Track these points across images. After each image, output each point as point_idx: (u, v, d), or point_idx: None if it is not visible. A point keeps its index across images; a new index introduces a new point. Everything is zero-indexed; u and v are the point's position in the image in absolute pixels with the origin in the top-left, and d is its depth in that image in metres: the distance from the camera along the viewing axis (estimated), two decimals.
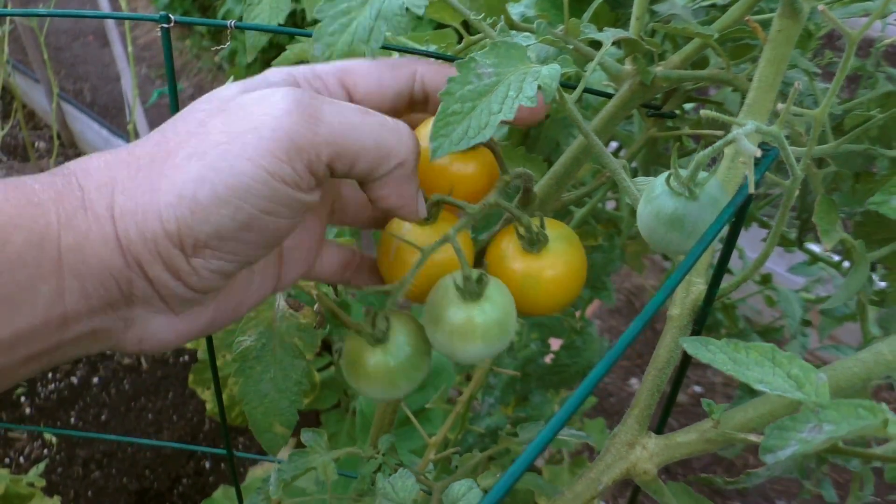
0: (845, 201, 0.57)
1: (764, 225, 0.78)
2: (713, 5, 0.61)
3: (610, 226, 0.74)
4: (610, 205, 0.91)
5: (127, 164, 0.34)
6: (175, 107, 0.56)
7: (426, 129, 0.49)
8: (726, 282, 0.44)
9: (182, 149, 0.34)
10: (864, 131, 0.46)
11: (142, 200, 0.33)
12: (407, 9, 0.43)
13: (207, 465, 1.84)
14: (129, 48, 1.97)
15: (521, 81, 0.38)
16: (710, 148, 0.30)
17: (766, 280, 1.00)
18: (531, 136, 0.87)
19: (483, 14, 0.50)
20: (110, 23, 2.04)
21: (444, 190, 0.45)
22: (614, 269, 0.64)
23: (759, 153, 0.27)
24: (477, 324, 0.41)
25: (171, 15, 0.52)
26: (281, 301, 0.52)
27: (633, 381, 2.19)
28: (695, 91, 0.64)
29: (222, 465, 1.83)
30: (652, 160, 0.71)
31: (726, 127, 0.34)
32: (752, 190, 0.28)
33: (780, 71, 0.43)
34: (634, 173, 0.80)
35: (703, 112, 0.31)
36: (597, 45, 0.48)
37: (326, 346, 1.72)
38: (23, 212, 0.31)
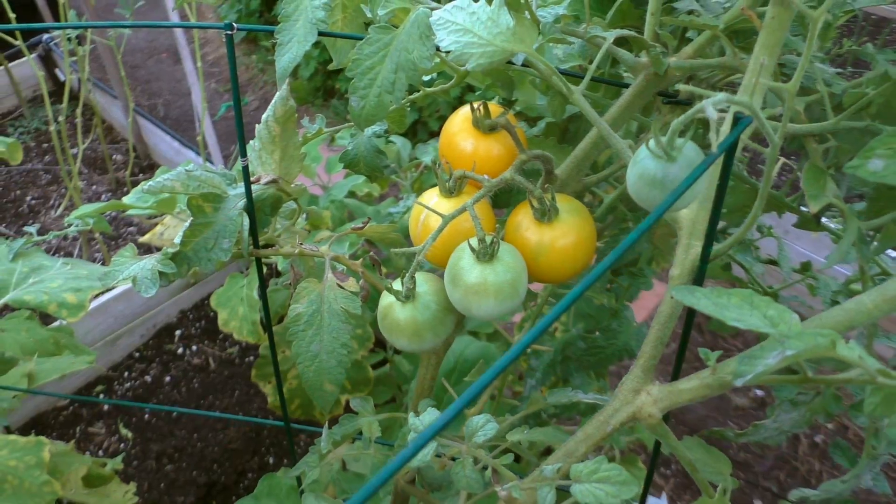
0: (857, 181, 0.60)
1: (793, 210, 0.80)
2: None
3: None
4: None
5: None
6: (239, 116, 0.63)
7: (457, 117, 0.55)
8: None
9: None
10: (863, 108, 0.50)
11: None
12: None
13: (271, 460, 1.93)
14: (199, 64, 2.09)
15: None
16: (684, 115, 0.35)
17: (805, 268, 1.01)
18: (570, 131, 0.91)
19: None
20: (182, 40, 2.16)
21: (469, 168, 0.51)
22: (642, 250, 0.68)
23: (715, 116, 0.32)
24: (490, 282, 0.46)
25: (233, 23, 0.59)
26: (329, 273, 0.58)
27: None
28: (723, 83, 0.67)
29: (285, 460, 1.92)
30: None
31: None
32: (714, 150, 0.33)
33: (775, 54, 0.47)
34: None
35: (679, 86, 0.36)
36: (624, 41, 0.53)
37: (381, 343, 1.79)
38: None
